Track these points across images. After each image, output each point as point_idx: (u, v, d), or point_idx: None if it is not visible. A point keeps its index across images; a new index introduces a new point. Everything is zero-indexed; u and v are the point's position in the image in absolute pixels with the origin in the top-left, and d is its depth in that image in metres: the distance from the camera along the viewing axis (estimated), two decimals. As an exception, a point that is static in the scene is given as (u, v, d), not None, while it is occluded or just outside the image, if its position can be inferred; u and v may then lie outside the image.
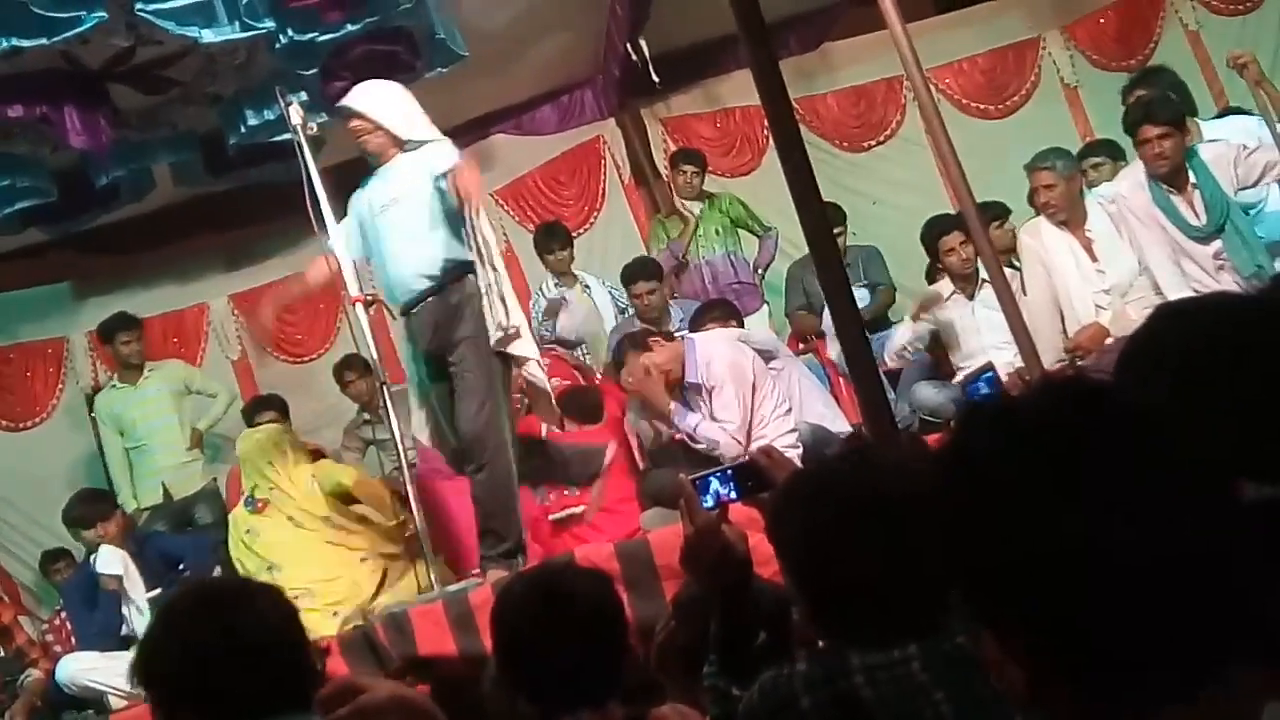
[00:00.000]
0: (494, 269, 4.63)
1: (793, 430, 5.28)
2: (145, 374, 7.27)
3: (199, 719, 1.94)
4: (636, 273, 6.89)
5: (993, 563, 0.93)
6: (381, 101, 4.86)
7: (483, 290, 4.61)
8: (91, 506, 5.95)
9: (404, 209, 4.75)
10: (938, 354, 6.25)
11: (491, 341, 4.62)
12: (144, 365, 7.30)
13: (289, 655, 1.98)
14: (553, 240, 7.22)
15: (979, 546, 0.94)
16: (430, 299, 4.75)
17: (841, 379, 6.28)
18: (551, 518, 5.36)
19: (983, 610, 0.97)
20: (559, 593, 2.26)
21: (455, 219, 4.66)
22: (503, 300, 4.60)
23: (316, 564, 5.03)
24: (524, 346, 4.75)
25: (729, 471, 2.19)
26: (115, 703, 5.19)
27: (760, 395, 5.27)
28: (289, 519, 5.14)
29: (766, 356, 5.63)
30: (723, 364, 5.27)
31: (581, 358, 6.92)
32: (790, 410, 5.37)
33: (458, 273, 4.71)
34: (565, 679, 2.17)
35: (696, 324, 5.94)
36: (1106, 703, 0.91)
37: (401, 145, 4.82)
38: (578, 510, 5.34)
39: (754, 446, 5.12)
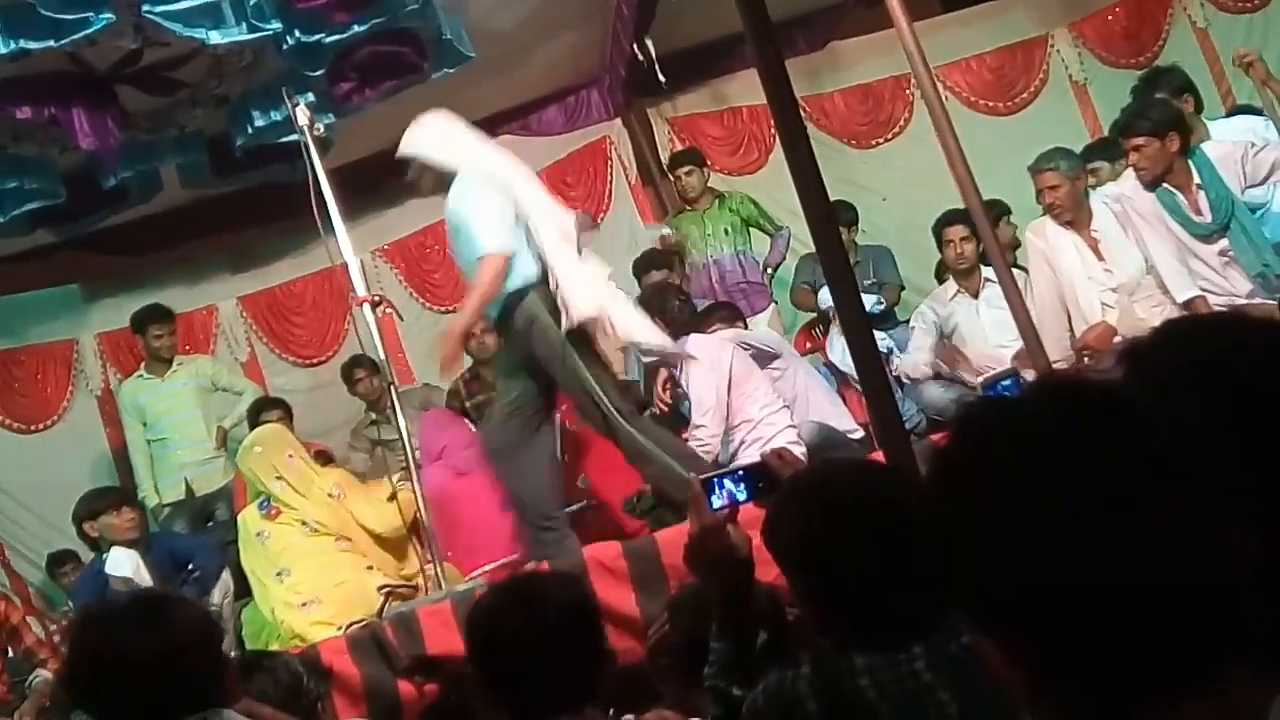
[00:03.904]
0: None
1: (792, 426, 5.29)
2: (173, 367, 7.26)
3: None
4: (647, 263, 6.94)
5: (985, 576, 0.93)
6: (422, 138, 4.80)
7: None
8: (96, 501, 5.96)
9: None
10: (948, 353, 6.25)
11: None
12: (173, 359, 7.29)
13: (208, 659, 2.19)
14: None
15: (971, 558, 0.94)
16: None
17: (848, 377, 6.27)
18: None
19: (978, 618, 0.96)
20: (530, 600, 2.25)
21: None
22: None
23: (326, 569, 5.03)
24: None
25: (739, 472, 2.18)
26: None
27: (743, 393, 5.29)
28: (302, 524, 5.14)
29: (769, 357, 5.65)
30: (701, 357, 5.35)
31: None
32: (785, 408, 5.38)
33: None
34: (540, 685, 2.16)
35: (701, 324, 5.95)
36: (1110, 703, 0.90)
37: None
38: (591, 503, 5.39)
39: (746, 445, 5.15)
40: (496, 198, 4.63)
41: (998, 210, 6.00)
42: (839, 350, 6.11)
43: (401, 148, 4.76)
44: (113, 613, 2.31)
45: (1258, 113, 6.05)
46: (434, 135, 4.75)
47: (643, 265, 6.96)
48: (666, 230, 7.54)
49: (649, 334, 4.94)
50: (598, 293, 4.68)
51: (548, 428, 4.88)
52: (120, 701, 2.14)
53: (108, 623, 2.24)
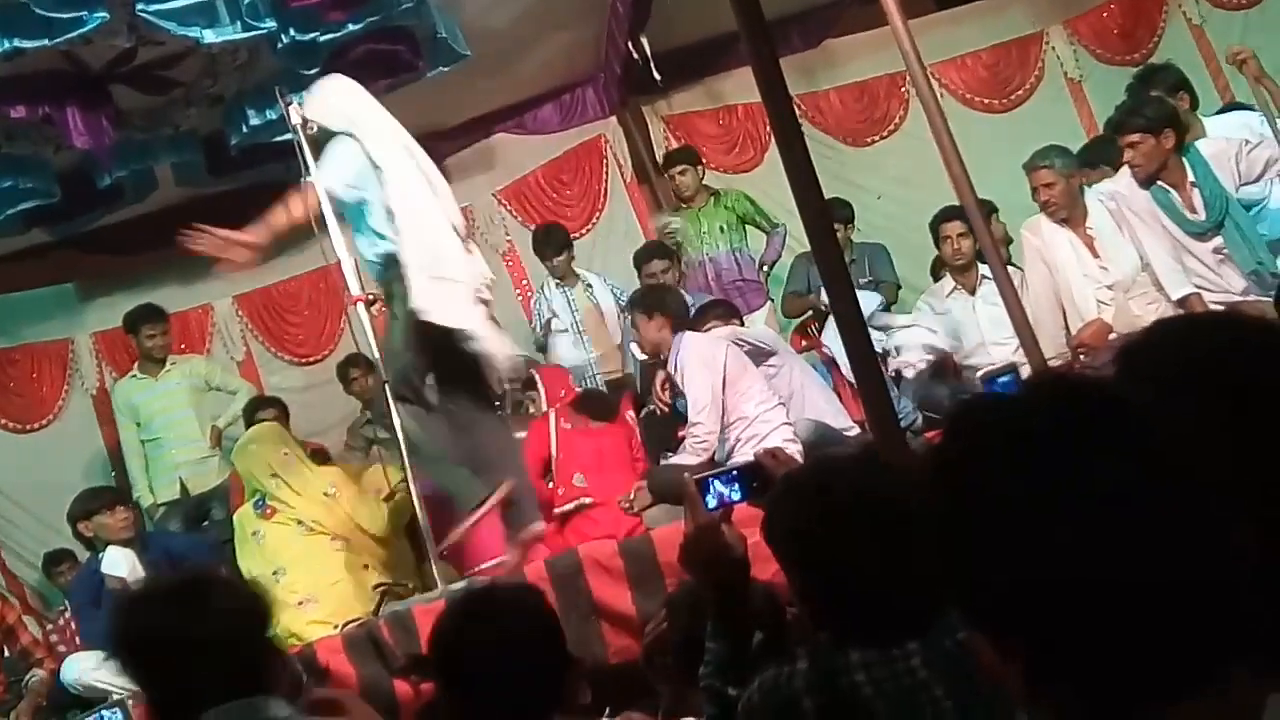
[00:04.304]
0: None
1: (787, 424, 5.29)
2: (166, 367, 7.26)
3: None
4: (650, 254, 6.93)
5: (981, 574, 0.92)
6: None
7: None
8: (90, 501, 5.95)
9: None
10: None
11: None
12: (166, 359, 7.29)
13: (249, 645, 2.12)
14: (546, 247, 7.18)
15: (967, 556, 0.93)
16: None
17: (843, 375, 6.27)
18: (558, 510, 5.37)
19: (973, 615, 0.96)
20: (487, 613, 2.22)
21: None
22: None
23: (322, 569, 5.03)
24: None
25: (733, 472, 2.18)
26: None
27: (738, 391, 5.30)
28: (298, 523, 5.15)
29: (765, 354, 5.65)
30: (694, 356, 5.37)
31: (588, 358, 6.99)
32: (781, 405, 5.38)
33: None
34: (504, 698, 2.11)
35: (697, 322, 5.95)
36: (1109, 701, 0.90)
37: None
38: (587, 501, 5.37)
39: (742, 443, 5.16)
40: (353, 150, 4.76)
41: (985, 209, 5.98)
42: (831, 333, 6.11)
43: (305, 107, 4.88)
44: (151, 594, 2.28)
45: (1253, 109, 6.05)
46: (332, 100, 4.89)
47: (644, 256, 6.95)
48: (675, 223, 7.49)
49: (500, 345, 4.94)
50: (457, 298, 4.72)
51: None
52: (158, 683, 2.11)
53: (145, 604, 2.21)
